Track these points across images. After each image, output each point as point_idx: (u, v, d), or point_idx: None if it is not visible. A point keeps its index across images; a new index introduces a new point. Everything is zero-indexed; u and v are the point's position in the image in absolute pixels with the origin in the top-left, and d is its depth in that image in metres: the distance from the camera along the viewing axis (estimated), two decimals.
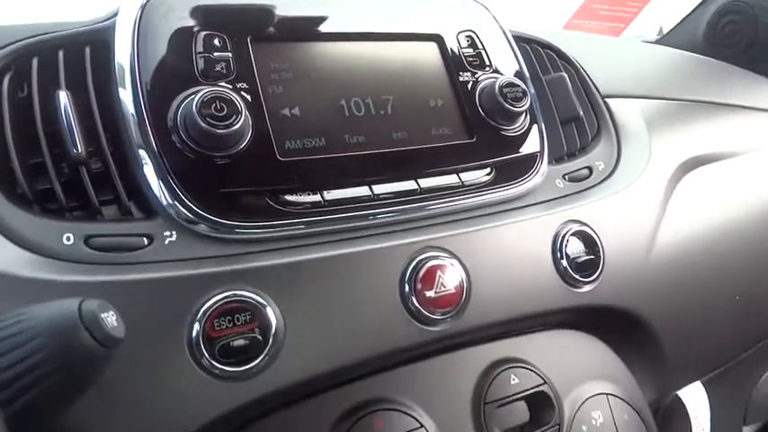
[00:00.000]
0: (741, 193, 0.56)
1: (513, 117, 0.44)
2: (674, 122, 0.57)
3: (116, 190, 0.35)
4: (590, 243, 0.44)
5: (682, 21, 0.88)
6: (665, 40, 0.87)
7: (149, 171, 0.34)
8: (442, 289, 0.38)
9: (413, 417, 0.37)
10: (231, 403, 0.32)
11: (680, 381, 0.51)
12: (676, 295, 0.48)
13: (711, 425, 0.56)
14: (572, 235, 0.44)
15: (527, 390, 0.41)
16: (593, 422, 0.42)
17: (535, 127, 0.46)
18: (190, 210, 0.34)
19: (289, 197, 0.36)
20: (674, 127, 0.56)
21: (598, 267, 0.44)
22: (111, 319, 0.26)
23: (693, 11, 0.87)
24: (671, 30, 0.88)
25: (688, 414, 0.53)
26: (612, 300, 0.45)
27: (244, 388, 0.33)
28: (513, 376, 0.41)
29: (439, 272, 0.38)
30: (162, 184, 0.34)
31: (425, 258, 0.38)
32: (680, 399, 0.53)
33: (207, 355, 0.32)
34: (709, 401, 0.56)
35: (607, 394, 0.44)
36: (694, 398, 0.54)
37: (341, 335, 0.35)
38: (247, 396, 0.33)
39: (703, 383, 0.55)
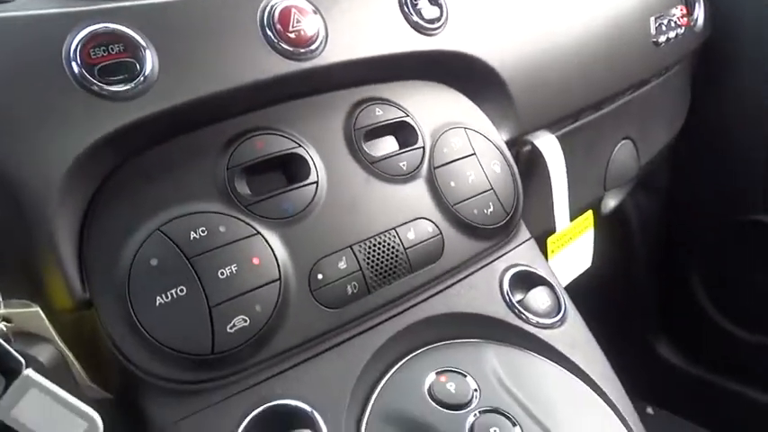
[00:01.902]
0: None
1: None
2: None
3: None
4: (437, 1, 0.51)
5: None
6: None
7: None
8: (299, 27, 0.43)
9: (291, 138, 0.43)
10: (114, 123, 0.36)
11: (530, 125, 0.59)
12: (523, 46, 0.56)
13: (575, 185, 0.66)
14: None
15: (391, 119, 0.47)
16: (453, 146, 0.50)
17: None
18: None
19: None
20: None
21: (442, 17, 0.50)
22: None
23: None
24: None
25: (546, 164, 0.62)
26: (459, 47, 0.51)
27: (124, 108, 0.37)
28: (377, 109, 0.47)
29: (295, 11, 0.43)
30: None
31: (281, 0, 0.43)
32: (538, 149, 0.62)
33: (87, 75, 0.36)
34: (567, 158, 0.65)
35: (465, 127, 0.51)
36: (552, 151, 0.63)
37: (211, 65, 0.40)
38: (128, 117, 0.37)
39: (558, 138, 0.64)
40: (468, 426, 0.38)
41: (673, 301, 1.15)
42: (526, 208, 0.57)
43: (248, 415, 0.36)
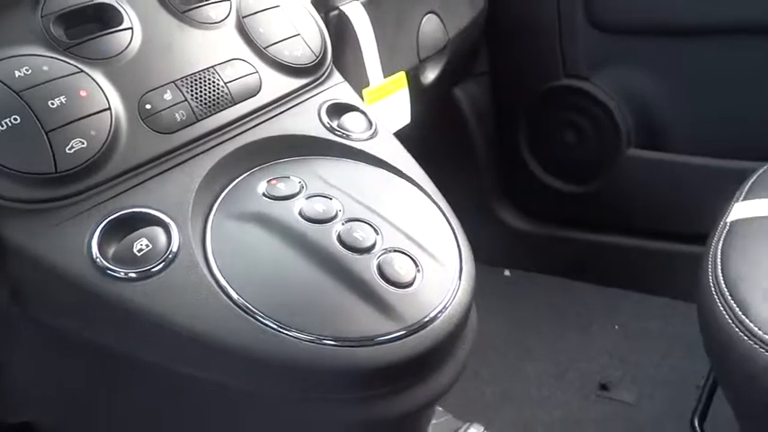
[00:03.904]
0: None
1: None
2: None
3: None
4: None
5: None
6: None
7: None
8: None
9: None
10: None
11: None
12: None
13: (384, 49, 0.75)
14: None
15: None
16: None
17: None
18: None
19: None
20: None
21: None
22: None
23: None
24: None
25: (354, 28, 0.70)
26: None
27: None
28: None
29: None
30: None
31: None
32: (346, 14, 0.70)
33: None
34: (375, 25, 0.73)
35: None
36: (358, 15, 0.71)
37: None
38: None
39: (364, 5, 0.72)
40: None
41: (510, 169, 1.30)
42: (342, 66, 0.66)
43: (100, 224, 0.42)
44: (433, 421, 0.76)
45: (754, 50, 0.98)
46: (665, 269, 1.18)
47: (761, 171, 0.74)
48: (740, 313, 0.58)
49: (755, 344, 0.56)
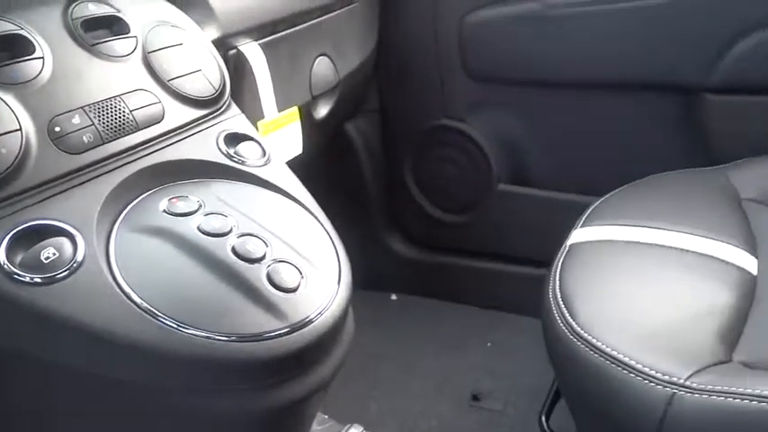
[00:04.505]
0: None
1: None
2: None
3: None
4: None
5: None
6: None
7: None
8: None
9: (14, 23, 0.52)
10: None
11: (230, 29, 0.73)
12: None
13: (279, 86, 0.82)
14: None
15: (100, 14, 0.58)
16: (163, 37, 0.62)
17: None
18: None
19: None
20: None
21: None
22: None
23: None
24: None
25: (251, 67, 0.77)
26: None
27: None
28: (90, 5, 0.58)
29: None
30: None
31: None
32: (243, 54, 0.77)
33: None
34: (271, 64, 0.81)
35: (172, 25, 0.64)
36: (255, 55, 0.78)
37: None
38: None
39: (261, 45, 0.80)
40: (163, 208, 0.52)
41: (397, 200, 1.41)
42: (240, 100, 0.73)
43: (8, 234, 0.46)
44: (318, 427, 0.83)
45: (598, 103, 1.15)
46: (531, 291, 1.32)
47: (596, 203, 0.88)
48: (572, 323, 0.68)
49: (587, 349, 0.66)
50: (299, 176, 0.64)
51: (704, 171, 0.93)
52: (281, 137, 0.83)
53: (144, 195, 0.55)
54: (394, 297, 1.50)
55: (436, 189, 1.37)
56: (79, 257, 0.46)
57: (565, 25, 1.11)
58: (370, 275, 1.32)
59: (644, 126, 1.13)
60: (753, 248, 0.76)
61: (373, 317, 1.34)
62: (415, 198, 1.39)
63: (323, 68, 0.98)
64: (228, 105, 0.67)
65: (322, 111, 1.03)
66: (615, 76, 1.10)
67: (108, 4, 0.60)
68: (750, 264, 0.73)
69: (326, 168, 1.29)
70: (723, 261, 0.72)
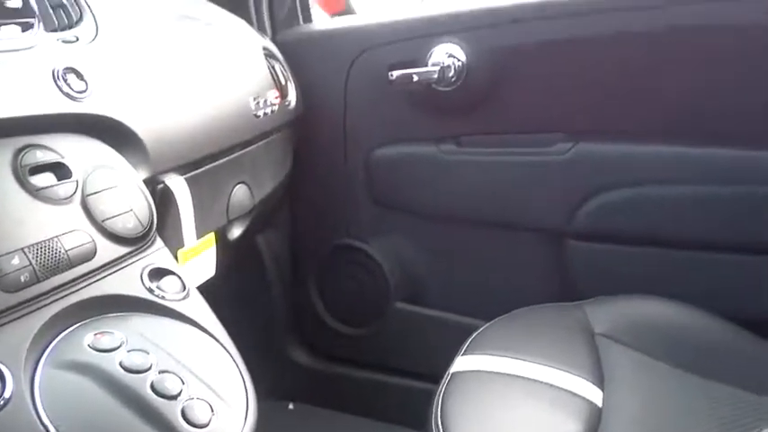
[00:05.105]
0: None
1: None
2: None
3: None
4: (80, 75, 0.71)
5: None
6: None
7: None
8: None
9: None
10: None
11: (161, 168, 0.82)
12: (158, 111, 0.80)
13: (198, 215, 0.90)
14: (65, 70, 0.69)
15: (48, 160, 0.65)
16: (100, 181, 0.69)
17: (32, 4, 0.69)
18: None
19: None
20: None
21: (87, 89, 0.71)
22: None
23: None
24: None
25: (176, 200, 0.85)
26: (101, 111, 0.72)
27: None
28: (38, 152, 0.65)
29: None
30: None
31: None
32: (170, 189, 0.85)
33: None
34: (194, 195, 0.89)
35: (109, 168, 0.72)
36: (180, 189, 0.86)
37: None
38: None
39: (186, 179, 0.88)
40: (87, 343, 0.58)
41: (302, 311, 1.49)
42: (164, 230, 0.80)
43: None
44: None
45: (484, 238, 1.31)
46: (422, 406, 1.41)
47: (476, 333, 1.00)
48: None
49: None
50: (209, 291, 0.71)
51: (566, 306, 1.08)
52: (197, 262, 0.90)
53: (71, 329, 0.60)
54: (291, 406, 1.53)
55: (338, 303, 1.46)
56: (7, 394, 0.51)
57: (456, 169, 1.28)
58: (270, 385, 1.37)
59: (523, 261, 1.29)
60: (600, 381, 0.90)
61: (270, 427, 1.36)
62: (318, 310, 1.47)
63: (240, 195, 1.07)
64: (153, 240, 0.74)
65: (236, 232, 1.11)
66: (498, 217, 1.27)
67: (54, 150, 0.66)
68: (596, 396, 0.86)
69: (234, 280, 1.35)
70: (573, 393, 0.85)
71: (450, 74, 1.21)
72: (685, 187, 1.13)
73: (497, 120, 1.25)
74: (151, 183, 0.81)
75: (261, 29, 1.32)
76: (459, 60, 1.21)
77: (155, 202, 0.77)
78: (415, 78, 1.21)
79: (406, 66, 1.22)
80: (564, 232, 1.21)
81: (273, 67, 1.20)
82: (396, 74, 1.21)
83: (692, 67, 1.08)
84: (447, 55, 1.21)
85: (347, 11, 1.43)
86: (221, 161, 0.98)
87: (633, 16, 1.10)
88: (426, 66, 1.22)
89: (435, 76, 1.21)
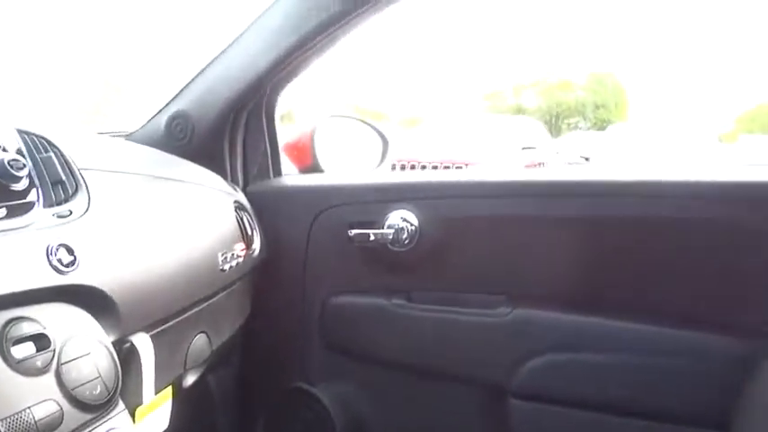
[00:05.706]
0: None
1: (17, 179, 0.76)
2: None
3: None
4: (70, 250, 0.78)
5: (145, 123, 1.34)
6: (133, 137, 1.31)
7: None
8: None
9: None
10: None
11: (130, 330, 0.88)
12: (133, 279, 0.87)
13: (158, 369, 0.96)
14: (58, 246, 0.77)
15: (32, 332, 0.71)
16: (75, 349, 0.75)
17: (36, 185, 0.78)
18: None
19: None
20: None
21: (75, 261, 0.78)
22: None
23: (153, 116, 1.34)
24: (137, 130, 1.33)
25: (140, 358, 0.91)
26: (86, 281, 0.79)
27: None
28: (24, 325, 0.71)
29: None
30: None
31: None
32: (135, 346, 0.91)
33: None
34: (156, 351, 0.95)
35: (84, 335, 0.78)
36: (145, 347, 0.92)
37: None
38: None
39: (151, 336, 0.94)
40: None
41: None
42: (125, 388, 0.85)
43: None
44: None
45: (432, 391, 1.38)
46: None
47: None
48: None
49: None
50: None
51: None
52: (152, 418, 0.94)
53: None
54: None
55: None
56: None
57: (406, 322, 1.37)
58: None
59: (468, 414, 1.36)
60: None
61: None
62: None
63: (199, 344, 1.13)
64: (116, 404, 0.79)
65: (190, 380, 1.15)
66: (444, 369, 1.35)
67: (38, 322, 0.73)
68: None
69: (183, 420, 1.36)
70: None
71: (404, 236, 1.33)
72: (614, 356, 1.24)
73: (446, 280, 1.36)
74: (119, 343, 0.87)
75: (234, 181, 1.44)
76: (412, 225, 1.34)
77: (119, 360, 0.82)
78: (372, 237, 1.33)
79: (364, 225, 1.35)
80: (506, 390, 1.29)
81: (242, 219, 1.30)
82: (354, 232, 1.34)
83: (619, 249, 1.23)
84: (402, 219, 1.34)
85: (314, 166, 1.57)
86: (185, 315, 1.05)
87: (564, 204, 1.26)
88: (383, 227, 1.34)
89: (390, 237, 1.33)
